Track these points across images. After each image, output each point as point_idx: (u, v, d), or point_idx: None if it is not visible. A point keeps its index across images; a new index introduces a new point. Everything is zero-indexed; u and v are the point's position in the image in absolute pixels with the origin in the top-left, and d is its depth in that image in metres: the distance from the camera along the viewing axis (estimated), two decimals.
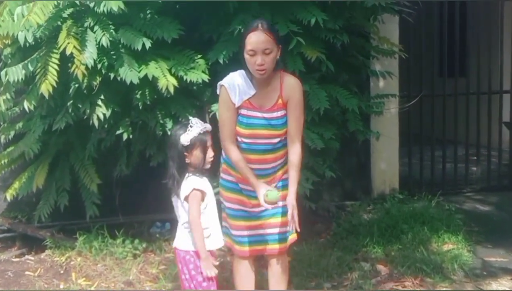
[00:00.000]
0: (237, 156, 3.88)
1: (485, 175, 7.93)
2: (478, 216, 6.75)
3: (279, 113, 3.87)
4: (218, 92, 3.96)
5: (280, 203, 3.95)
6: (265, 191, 3.81)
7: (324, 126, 5.35)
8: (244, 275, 4.10)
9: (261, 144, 3.89)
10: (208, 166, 3.87)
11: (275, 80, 3.87)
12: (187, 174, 3.81)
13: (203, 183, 3.82)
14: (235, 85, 3.83)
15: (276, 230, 4.01)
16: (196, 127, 3.77)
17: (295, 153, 3.91)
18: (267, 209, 3.92)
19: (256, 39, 3.72)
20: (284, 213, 3.97)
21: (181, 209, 3.87)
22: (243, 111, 3.86)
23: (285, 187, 4.00)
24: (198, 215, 3.75)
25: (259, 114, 3.85)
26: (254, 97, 3.84)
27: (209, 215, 3.84)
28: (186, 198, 3.78)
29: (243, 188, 3.97)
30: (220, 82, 3.91)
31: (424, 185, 7.49)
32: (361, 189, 7.22)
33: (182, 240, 3.88)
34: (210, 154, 3.85)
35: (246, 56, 3.76)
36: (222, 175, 4.08)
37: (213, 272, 3.76)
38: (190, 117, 3.88)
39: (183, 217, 3.85)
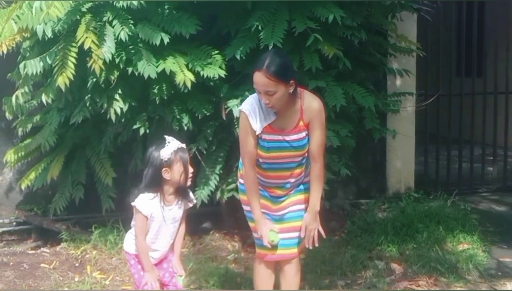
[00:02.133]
0: (253, 181, 3.86)
1: (501, 175, 7.88)
2: (493, 216, 6.71)
3: (301, 135, 3.82)
4: (238, 116, 3.92)
5: (293, 207, 3.97)
6: (266, 231, 3.84)
7: (340, 124, 5.34)
8: (266, 279, 4.09)
9: (284, 163, 3.86)
10: (189, 183, 3.81)
11: (295, 102, 3.78)
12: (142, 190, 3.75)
13: (149, 203, 3.72)
14: (256, 111, 3.76)
15: (294, 234, 3.99)
16: (173, 143, 3.72)
17: (315, 171, 3.87)
18: (289, 212, 3.94)
19: (257, 80, 3.64)
20: (297, 217, 3.97)
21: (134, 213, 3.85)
22: (264, 136, 3.80)
23: (303, 190, 3.99)
24: (140, 230, 3.73)
25: (280, 137, 3.80)
26: (274, 121, 3.79)
27: (157, 234, 3.79)
28: (133, 208, 3.77)
29: (269, 193, 3.97)
30: (240, 108, 3.87)
31: (440, 184, 7.46)
32: (376, 187, 7.20)
33: (127, 242, 3.90)
34: (190, 169, 3.79)
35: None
36: (240, 180, 4.04)
37: (154, 286, 3.75)
38: (166, 136, 3.77)
39: (133, 221, 3.84)
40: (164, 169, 3.68)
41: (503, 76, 7.74)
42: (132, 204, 3.74)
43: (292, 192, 3.99)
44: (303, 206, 3.99)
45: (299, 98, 3.79)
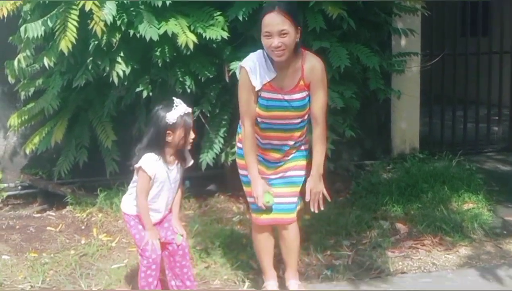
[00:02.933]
0: (251, 139, 3.83)
1: (507, 134, 7.88)
2: (499, 176, 6.71)
3: (301, 95, 3.78)
4: (238, 74, 3.89)
5: (290, 172, 3.94)
6: (261, 192, 3.82)
7: (345, 85, 5.30)
8: (263, 242, 4.09)
9: (282, 124, 3.83)
10: (189, 147, 3.87)
11: (296, 61, 3.75)
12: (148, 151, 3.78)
13: (154, 164, 3.76)
14: (256, 68, 3.74)
15: (287, 200, 3.97)
16: (181, 107, 3.73)
17: (316, 134, 3.85)
18: (282, 178, 3.93)
19: (271, 20, 3.60)
20: (294, 183, 3.96)
21: (135, 175, 3.87)
22: (263, 94, 3.77)
23: (303, 157, 3.97)
24: (142, 191, 3.76)
25: (280, 96, 3.77)
26: (275, 79, 3.75)
27: (158, 194, 3.84)
28: (136, 170, 3.79)
29: (265, 158, 3.95)
30: (240, 64, 3.84)
31: (445, 144, 7.46)
32: (381, 148, 7.19)
33: (126, 204, 3.93)
34: (192, 135, 3.82)
35: (263, 39, 3.65)
36: (238, 144, 4.02)
37: (156, 244, 3.78)
38: (174, 98, 3.78)
39: (132, 182, 3.88)
40: (167, 131, 3.72)
41: (509, 36, 7.66)
42: (137, 165, 3.75)
43: (289, 157, 3.95)
44: (301, 173, 3.96)
45: (300, 58, 3.76)
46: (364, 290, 4.28)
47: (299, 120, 3.84)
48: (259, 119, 3.84)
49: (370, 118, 6.99)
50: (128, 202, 3.90)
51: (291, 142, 3.90)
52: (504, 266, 4.60)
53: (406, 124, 7.20)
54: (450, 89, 7.54)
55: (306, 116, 3.85)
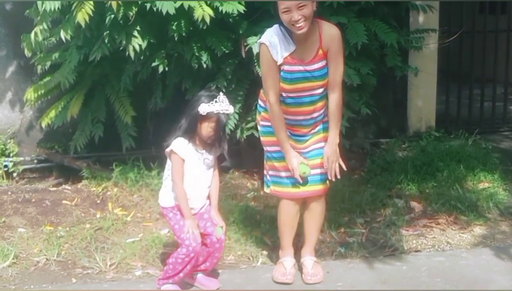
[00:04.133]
0: (279, 115, 3.86)
1: None
2: None
3: (321, 64, 3.81)
4: (258, 50, 3.89)
5: (319, 144, 3.97)
6: (297, 164, 3.84)
7: (362, 61, 5.27)
8: (293, 217, 4.09)
9: (306, 96, 3.85)
10: (209, 141, 3.83)
11: (314, 31, 3.78)
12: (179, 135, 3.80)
13: (185, 147, 3.77)
14: (275, 42, 3.76)
15: (319, 171, 3.98)
16: (219, 105, 3.71)
17: (333, 102, 3.89)
18: (313, 150, 3.95)
19: None
20: (322, 154, 3.97)
21: (166, 168, 3.89)
22: (285, 67, 3.80)
23: (325, 129, 3.98)
24: (177, 174, 3.76)
25: (301, 68, 3.79)
26: (294, 52, 3.78)
27: (193, 179, 3.83)
28: (168, 155, 3.81)
29: (292, 132, 3.95)
30: (259, 40, 3.85)
31: (461, 123, 7.40)
32: (396, 126, 7.15)
33: (162, 197, 3.92)
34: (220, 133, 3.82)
35: (282, 15, 3.66)
36: (262, 122, 4.03)
37: (196, 233, 3.77)
38: (221, 93, 3.78)
39: (166, 172, 3.89)
40: (198, 121, 3.73)
41: None
42: (168, 149, 3.77)
43: (316, 129, 3.98)
44: (324, 143, 3.98)
45: (317, 28, 3.78)
46: (378, 267, 4.28)
47: (321, 90, 3.87)
48: (284, 95, 3.86)
49: (386, 95, 6.93)
50: (164, 195, 3.90)
51: (315, 114, 3.93)
52: None
53: (423, 102, 7.14)
54: (467, 67, 7.47)
55: (324, 88, 3.88)
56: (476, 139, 6.68)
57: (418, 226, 4.94)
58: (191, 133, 3.76)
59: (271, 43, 3.76)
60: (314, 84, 3.83)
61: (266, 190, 4.15)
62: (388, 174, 5.88)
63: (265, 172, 4.13)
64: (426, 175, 5.79)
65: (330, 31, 3.82)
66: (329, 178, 3.96)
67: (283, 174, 3.99)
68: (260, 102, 4.06)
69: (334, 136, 3.93)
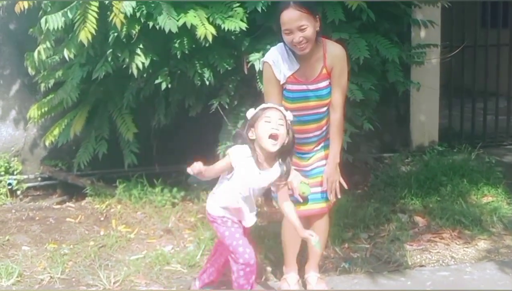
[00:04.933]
0: None
1: None
2: None
3: (324, 83, 3.82)
4: (261, 68, 3.91)
5: (321, 162, 3.97)
6: (296, 183, 3.83)
7: (364, 77, 5.27)
8: (296, 234, 4.08)
9: (310, 114, 3.86)
10: (274, 149, 3.58)
11: (318, 50, 3.79)
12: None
13: (241, 155, 3.60)
14: (279, 61, 3.78)
15: (323, 189, 3.98)
16: (276, 118, 3.54)
17: (334, 122, 3.89)
18: (316, 168, 3.96)
19: (289, 17, 3.63)
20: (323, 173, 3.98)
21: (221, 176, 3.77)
22: (288, 87, 3.81)
23: (327, 147, 3.98)
24: (215, 171, 3.65)
25: (304, 87, 3.80)
26: (298, 71, 3.79)
27: (235, 189, 3.66)
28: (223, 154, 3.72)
29: (296, 149, 3.93)
30: (263, 59, 3.88)
31: (464, 137, 7.40)
32: (399, 141, 7.15)
33: (209, 204, 3.85)
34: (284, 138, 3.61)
35: (284, 36, 3.69)
36: None
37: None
38: (281, 105, 3.67)
39: (218, 183, 3.78)
40: (249, 126, 3.60)
41: None
42: (229, 152, 3.65)
43: (318, 147, 3.98)
44: (326, 162, 3.99)
45: (321, 47, 3.79)
46: (382, 283, 4.28)
47: (325, 108, 3.88)
48: None
49: (389, 110, 6.95)
50: (212, 202, 3.78)
51: (318, 132, 3.93)
52: None
53: (425, 116, 7.15)
54: (470, 81, 7.48)
55: (328, 107, 3.88)
56: (479, 154, 6.68)
57: (422, 241, 4.93)
58: (244, 141, 3.61)
59: (274, 62, 3.77)
60: (318, 104, 3.84)
61: (275, 204, 4.13)
62: (391, 188, 5.88)
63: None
64: (430, 189, 5.80)
65: (335, 51, 3.83)
66: (330, 198, 3.96)
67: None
68: None
69: (334, 156, 3.92)
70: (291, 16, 3.63)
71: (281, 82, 3.79)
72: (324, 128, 3.95)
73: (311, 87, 3.80)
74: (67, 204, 5.95)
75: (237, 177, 3.62)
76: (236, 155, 3.60)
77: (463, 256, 4.69)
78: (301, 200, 3.90)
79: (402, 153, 6.91)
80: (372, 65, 5.34)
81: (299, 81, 3.79)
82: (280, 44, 3.81)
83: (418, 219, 5.29)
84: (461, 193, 5.64)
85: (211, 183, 5.95)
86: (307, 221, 4.07)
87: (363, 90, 5.18)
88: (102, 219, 5.48)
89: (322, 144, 3.99)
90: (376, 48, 5.22)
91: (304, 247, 4.20)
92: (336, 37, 4.79)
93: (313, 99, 3.82)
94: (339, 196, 3.96)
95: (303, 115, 3.85)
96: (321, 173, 3.98)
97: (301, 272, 4.20)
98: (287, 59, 3.77)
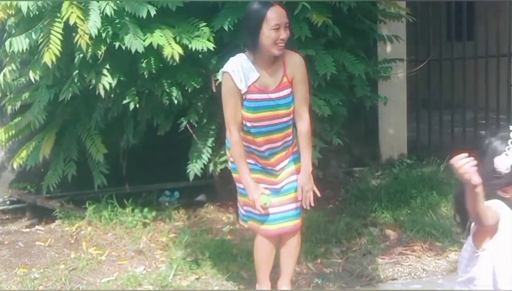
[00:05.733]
0: (238, 144, 3.83)
1: None
2: None
3: (286, 92, 3.82)
4: (220, 80, 3.91)
5: (290, 178, 3.96)
6: (257, 195, 3.80)
7: (331, 92, 5.31)
8: (269, 252, 4.07)
9: (271, 125, 3.85)
10: None
11: (278, 59, 3.80)
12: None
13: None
14: (239, 70, 3.76)
15: (294, 205, 3.97)
16: None
17: (302, 130, 3.90)
18: (286, 184, 3.94)
19: (279, 12, 3.68)
20: (294, 189, 3.97)
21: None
22: (249, 96, 3.79)
23: (296, 160, 3.98)
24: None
25: (265, 96, 3.79)
26: (258, 79, 3.78)
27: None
28: None
29: (263, 166, 3.94)
30: (222, 69, 3.85)
31: (432, 149, 7.47)
32: (369, 154, 7.20)
33: None
34: None
35: (269, 32, 3.66)
36: (231, 159, 4.00)
37: None
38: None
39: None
40: (499, 188, 2.48)
41: (494, 39, 7.71)
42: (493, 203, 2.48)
43: (286, 162, 3.97)
44: (296, 177, 3.98)
45: (280, 56, 3.80)
46: None
47: (287, 118, 3.87)
48: (248, 124, 3.84)
49: (358, 125, 7.00)
50: None
51: (285, 140, 3.91)
52: None
53: (394, 130, 7.22)
54: (437, 94, 7.57)
55: (292, 115, 3.89)
56: (448, 165, 6.73)
57: (394, 254, 4.95)
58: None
59: (234, 71, 3.75)
60: (279, 113, 3.83)
61: (243, 223, 4.13)
62: (362, 202, 5.91)
63: (239, 206, 4.12)
64: (400, 202, 5.84)
65: (293, 59, 3.86)
66: (304, 207, 3.95)
67: (253, 210, 3.96)
68: (227, 137, 4.00)
69: (307, 164, 3.92)
70: (280, 12, 3.68)
71: (243, 92, 3.76)
72: (291, 136, 3.94)
73: (273, 96, 3.79)
74: (37, 227, 5.86)
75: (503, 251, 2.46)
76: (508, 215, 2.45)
77: (435, 268, 4.72)
78: (262, 211, 3.84)
79: (372, 167, 6.95)
80: (339, 80, 5.38)
81: (260, 90, 3.79)
82: (239, 54, 3.83)
83: (389, 232, 5.32)
84: (431, 205, 5.69)
85: (183, 204, 5.96)
86: (279, 238, 4.07)
87: (331, 106, 5.21)
88: (72, 241, 5.41)
89: (290, 158, 3.97)
90: (342, 64, 5.26)
91: (276, 262, 4.19)
92: (303, 54, 4.81)
93: (275, 108, 3.81)
94: (312, 204, 3.94)
95: (267, 126, 3.83)
96: (293, 188, 3.96)
97: (274, 288, 4.19)
98: (247, 68, 3.76)
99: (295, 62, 3.85)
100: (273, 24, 3.66)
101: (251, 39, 3.73)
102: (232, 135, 3.83)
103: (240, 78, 3.75)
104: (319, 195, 3.98)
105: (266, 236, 4.01)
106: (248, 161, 3.92)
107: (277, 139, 3.89)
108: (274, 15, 3.67)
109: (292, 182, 3.98)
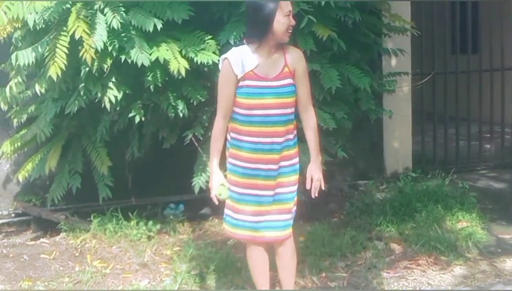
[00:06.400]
0: (221, 129, 3.90)
1: (499, 152, 7.89)
2: (492, 194, 6.72)
3: (287, 81, 3.87)
4: (220, 67, 3.94)
5: (282, 189, 3.94)
6: (218, 185, 3.83)
7: (336, 106, 5.32)
8: (258, 260, 4.07)
9: (273, 115, 3.85)
10: None
11: (278, 50, 3.89)
12: None
13: None
14: (240, 57, 3.84)
15: (287, 216, 3.96)
16: None
17: (310, 120, 3.99)
18: (281, 194, 3.92)
19: (289, 1, 3.82)
20: (288, 199, 3.96)
21: None
22: (246, 83, 3.83)
23: (292, 173, 3.96)
24: None
25: (264, 83, 3.84)
26: (258, 67, 3.84)
27: None
28: None
29: (256, 169, 3.93)
30: (223, 56, 3.92)
31: (437, 163, 7.47)
32: (374, 168, 7.20)
33: None
34: None
35: (284, 18, 3.78)
36: (230, 159, 4.00)
37: None
38: None
39: None
40: None
41: (499, 53, 7.72)
42: None
43: (286, 169, 3.93)
44: (294, 188, 3.96)
45: (281, 47, 3.91)
46: None
47: (289, 110, 3.90)
48: (250, 112, 3.84)
49: (363, 138, 7.00)
50: None
51: (280, 140, 3.89)
52: (499, 284, 4.59)
53: (399, 143, 7.22)
54: (441, 108, 7.58)
55: (293, 108, 3.92)
56: (453, 179, 6.74)
57: (399, 268, 4.94)
58: None
59: (233, 57, 3.84)
60: (279, 102, 3.84)
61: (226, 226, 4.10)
62: (367, 216, 5.90)
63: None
64: (405, 216, 5.82)
65: (294, 52, 3.96)
66: (313, 196, 3.95)
67: (238, 216, 3.93)
68: (228, 138, 4.01)
69: (316, 154, 3.99)
70: (289, 0, 3.82)
71: (239, 77, 3.81)
72: (292, 135, 3.94)
73: (274, 84, 3.84)
74: (41, 240, 5.87)
75: None
76: None
77: (440, 282, 4.70)
78: (216, 202, 3.86)
79: (377, 180, 6.95)
80: (344, 94, 5.39)
81: (260, 78, 3.83)
82: (242, 46, 3.91)
83: (394, 246, 5.31)
84: (436, 218, 5.67)
85: (187, 217, 5.96)
86: (273, 248, 4.06)
87: (336, 119, 5.22)
88: (77, 254, 5.42)
89: (291, 167, 3.95)
90: (347, 77, 5.28)
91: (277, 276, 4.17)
92: (308, 68, 4.81)
93: (275, 97, 3.84)
94: (316, 195, 3.96)
95: (267, 116, 3.84)
96: (285, 200, 3.93)
97: None
98: (246, 55, 3.84)
99: (296, 55, 3.96)
100: (287, 11, 3.80)
101: (263, 28, 3.79)
102: (218, 123, 3.91)
103: (237, 64, 3.83)
104: (324, 188, 3.99)
105: (253, 244, 4.02)
106: (241, 164, 3.91)
107: (282, 133, 3.89)
108: (286, 3, 3.81)
109: (287, 193, 3.94)
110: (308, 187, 3.95)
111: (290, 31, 3.84)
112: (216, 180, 3.87)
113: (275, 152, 3.90)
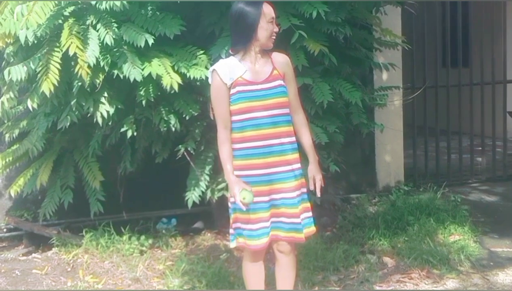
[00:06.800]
0: (224, 138, 3.92)
1: (490, 165, 7.92)
2: (484, 207, 6.75)
3: (278, 82, 3.91)
4: (210, 81, 3.96)
5: (296, 193, 3.93)
6: (238, 190, 3.78)
7: (328, 120, 5.34)
8: (256, 272, 4.06)
9: (269, 116, 3.86)
10: None
11: (264, 56, 3.95)
12: None
13: None
14: (225, 66, 3.89)
15: (291, 220, 3.94)
16: None
17: (301, 122, 4.07)
18: (283, 199, 3.90)
19: (271, 8, 3.89)
20: (299, 202, 3.94)
21: None
22: (239, 88, 3.85)
23: (298, 176, 3.96)
24: None
25: (255, 86, 3.87)
26: (246, 73, 3.88)
27: None
28: None
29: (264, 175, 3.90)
30: (211, 68, 3.95)
31: (429, 176, 7.50)
32: (366, 181, 7.22)
33: None
34: None
35: (266, 25, 3.84)
36: (235, 145, 3.94)
37: None
38: None
39: None
40: None
41: (489, 66, 7.77)
42: None
43: (285, 175, 3.91)
44: (295, 194, 3.93)
45: (267, 52, 3.98)
46: None
47: (284, 110, 3.92)
48: (244, 117, 3.85)
49: (355, 152, 7.03)
50: None
51: (277, 141, 3.88)
52: None
53: (390, 157, 7.25)
54: (433, 121, 7.61)
55: (288, 109, 3.95)
56: (444, 192, 6.76)
57: (392, 282, 4.95)
58: None
59: (222, 68, 3.88)
60: (275, 101, 3.87)
61: (232, 245, 4.08)
62: (359, 229, 5.91)
63: (230, 228, 4.05)
64: (397, 229, 5.84)
65: (281, 58, 4.03)
66: (318, 195, 4.09)
67: (254, 226, 3.90)
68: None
69: (312, 154, 4.10)
70: (271, 7, 3.89)
71: (228, 85, 3.85)
72: (288, 139, 3.93)
73: (264, 86, 3.88)
74: (33, 255, 5.86)
75: None
76: None
77: None
78: (243, 208, 3.80)
79: (369, 194, 6.97)
80: (336, 108, 5.41)
81: (249, 82, 3.86)
82: (229, 57, 3.98)
83: (387, 259, 5.32)
84: (428, 232, 5.69)
85: (180, 231, 5.96)
86: (274, 255, 4.06)
87: (328, 133, 5.23)
88: (69, 269, 5.40)
89: (291, 172, 3.92)
90: (339, 91, 5.29)
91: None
92: (300, 83, 4.86)
93: (269, 97, 3.87)
94: (319, 195, 4.08)
95: (261, 118, 3.84)
96: (287, 205, 3.91)
97: None
98: (233, 64, 3.90)
99: (283, 60, 4.03)
100: (270, 18, 3.87)
101: (247, 35, 3.85)
102: (220, 134, 3.94)
103: (225, 73, 3.87)
104: (323, 184, 4.10)
105: (251, 256, 4.02)
106: (247, 172, 3.90)
107: (285, 133, 3.90)
108: (269, 10, 3.89)
109: (289, 198, 3.91)
110: (311, 187, 4.06)
111: (274, 37, 3.91)
112: (236, 186, 3.82)
113: (271, 154, 3.89)
